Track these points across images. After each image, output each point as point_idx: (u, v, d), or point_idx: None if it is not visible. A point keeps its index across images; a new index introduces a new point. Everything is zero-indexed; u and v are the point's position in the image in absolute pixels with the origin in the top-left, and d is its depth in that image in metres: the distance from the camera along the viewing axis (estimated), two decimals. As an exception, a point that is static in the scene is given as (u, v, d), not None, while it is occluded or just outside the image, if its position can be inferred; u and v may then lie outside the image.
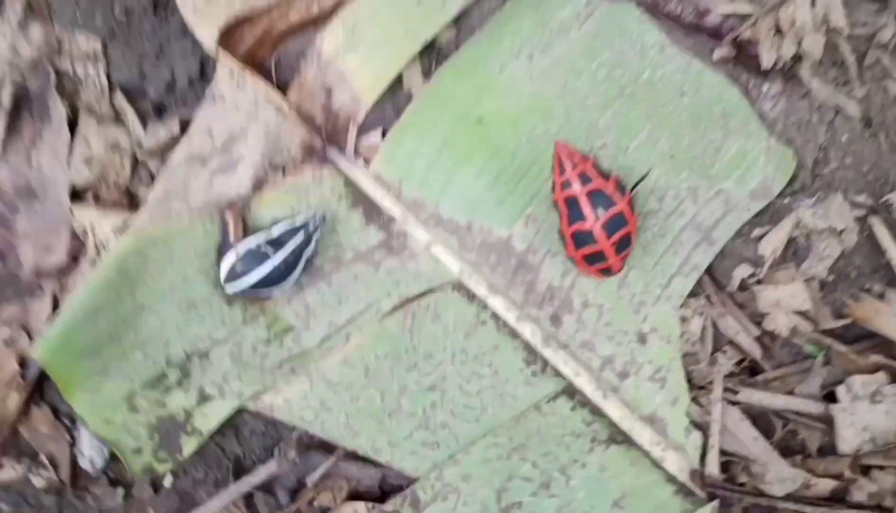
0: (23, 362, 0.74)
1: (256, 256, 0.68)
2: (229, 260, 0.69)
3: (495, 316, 0.75)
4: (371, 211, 0.76)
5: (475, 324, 0.75)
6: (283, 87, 0.77)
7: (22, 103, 0.73)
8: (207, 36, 0.72)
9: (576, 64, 0.75)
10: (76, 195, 0.74)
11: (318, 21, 0.76)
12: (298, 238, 0.70)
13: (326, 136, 0.77)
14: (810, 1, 0.71)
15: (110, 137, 0.74)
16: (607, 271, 0.72)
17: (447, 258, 0.76)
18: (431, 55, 0.78)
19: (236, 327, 0.73)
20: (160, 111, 0.76)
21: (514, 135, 0.76)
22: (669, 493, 0.74)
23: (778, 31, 0.72)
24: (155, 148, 0.75)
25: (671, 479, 0.74)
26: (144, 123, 0.75)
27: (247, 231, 0.72)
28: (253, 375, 0.73)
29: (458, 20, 0.77)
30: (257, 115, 0.74)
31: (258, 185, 0.73)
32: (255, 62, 0.77)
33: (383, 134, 0.76)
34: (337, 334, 0.74)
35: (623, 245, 0.71)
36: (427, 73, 0.78)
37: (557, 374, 0.75)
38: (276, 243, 0.69)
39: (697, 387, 0.75)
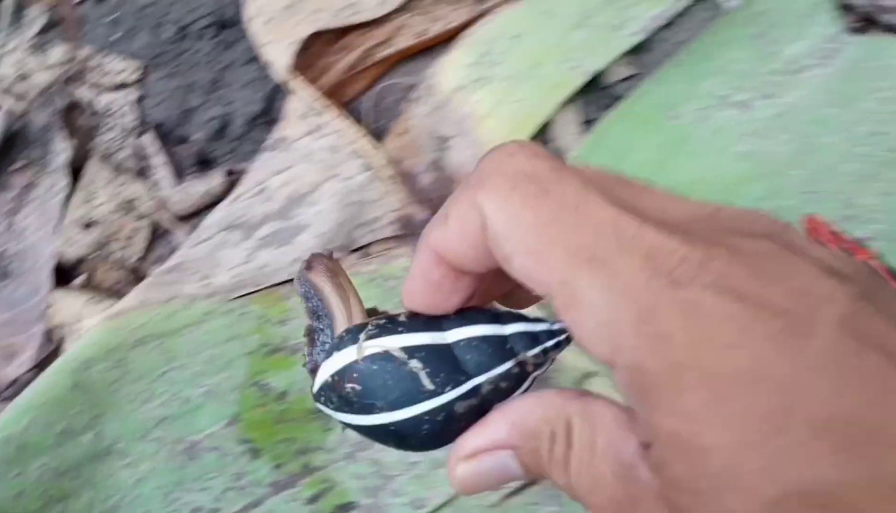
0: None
1: (396, 376, 0.21)
2: (338, 362, 0.22)
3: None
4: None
5: None
6: (378, 135, 0.53)
7: (17, 142, 0.53)
8: (280, 56, 0.51)
9: (821, 114, 0.50)
10: (63, 275, 0.50)
11: (434, 46, 0.54)
12: (503, 372, 0.22)
13: (433, 205, 0.51)
14: None
15: (126, 193, 0.51)
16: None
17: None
18: (594, 97, 0.53)
19: (262, 491, 0.43)
20: (204, 163, 0.53)
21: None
22: None
23: None
24: (187, 209, 0.51)
25: None
26: (179, 177, 0.52)
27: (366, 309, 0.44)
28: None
29: (637, 50, 0.54)
30: (337, 169, 0.50)
31: (326, 268, 0.47)
32: (342, 100, 0.55)
33: (520, 207, 0.50)
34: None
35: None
36: (587, 123, 0.53)
37: None
38: (446, 364, 0.22)
39: None
